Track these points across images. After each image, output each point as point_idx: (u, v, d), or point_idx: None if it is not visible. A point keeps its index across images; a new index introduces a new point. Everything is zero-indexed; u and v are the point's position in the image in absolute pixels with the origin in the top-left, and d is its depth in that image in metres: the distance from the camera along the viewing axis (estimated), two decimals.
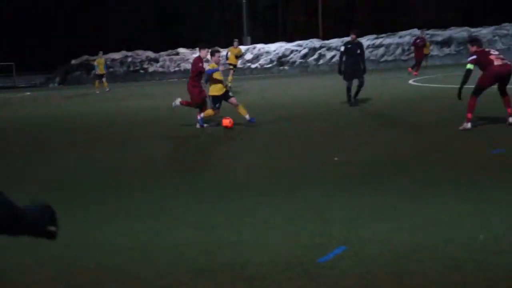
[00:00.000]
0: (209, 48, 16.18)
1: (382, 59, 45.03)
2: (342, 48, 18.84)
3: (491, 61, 12.02)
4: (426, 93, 20.95)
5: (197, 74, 15.48)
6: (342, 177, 8.65)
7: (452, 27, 45.49)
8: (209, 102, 15.10)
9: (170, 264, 5.38)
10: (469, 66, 12.15)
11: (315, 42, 48.38)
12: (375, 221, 6.26)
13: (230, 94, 14.98)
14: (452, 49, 44.12)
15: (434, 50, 42.88)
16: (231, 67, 29.08)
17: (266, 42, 50.32)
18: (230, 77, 28.29)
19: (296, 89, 27.24)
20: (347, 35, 48.33)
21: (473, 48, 12.31)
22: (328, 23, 58.48)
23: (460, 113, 14.07)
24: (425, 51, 39.86)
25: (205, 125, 14.97)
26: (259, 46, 49.43)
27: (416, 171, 8.68)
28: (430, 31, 44.88)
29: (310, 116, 16.40)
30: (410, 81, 26.83)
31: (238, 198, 7.72)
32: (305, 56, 47.44)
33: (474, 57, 12.14)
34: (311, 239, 5.79)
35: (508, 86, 12.29)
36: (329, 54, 46.87)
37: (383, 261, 5.10)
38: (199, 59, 15.83)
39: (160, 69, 50.08)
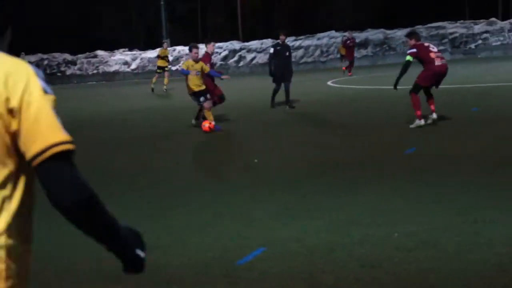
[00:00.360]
0: (215, 42, 16.02)
1: (302, 61, 45.57)
2: (272, 50, 18.47)
3: (432, 60, 12.26)
4: (345, 94, 21.33)
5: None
6: (261, 178, 8.72)
7: (369, 29, 46.49)
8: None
9: (88, 271, 5.30)
10: (409, 58, 12.33)
11: (235, 44, 48.52)
12: (293, 222, 6.34)
13: (208, 96, 14.13)
14: (369, 50, 45.07)
15: None
16: (159, 70, 28.71)
17: (186, 44, 50.05)
18: (166, 80, 28.33)
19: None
20: (267, 37, 48.80)
21: (412, 42, 12.53)
22: (247, 25, 58.75)
23: (376, 114, 14.45)
24: (343, 52, 40.62)
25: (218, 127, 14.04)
26: (179, 48, 49.18)
27: (333, 172, 8.83)
28: (346, 33, 45.72)
29: (233, 119, 16.43)
30: (329, 83, 27.26)
31: (157, 201, 7.67)
32: (225, 58, 47.52)
33: (414, 50, 12.34)
34: (230, 242, 5.81)
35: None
36: (249, 56, 47.12)
37: (301, 261, 5.18)
38: (207, 56, 15.64)
39: (78, 72, 49.15)
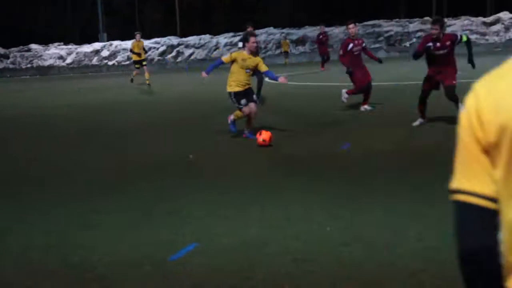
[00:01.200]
0: (355, 23, 14.33)
1: None
2: (240, 44, 17.81)
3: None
4: (285, 91, 21.41)
5: (347, 56, 14.27)
6: (195, 174, 8.68)
7: (307, 26, 46.87)
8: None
9: (19, 269, 5.18)
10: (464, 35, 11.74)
11: (173, 40, 48.21)
12: (227, 217, 6.32)
13: (254, 97, 11.52)
14: (307, 47, 45.46)
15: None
16: (138, 65, 26.67)
17: (123, 39, 49.50)
18: (146, 74, 26.63)
19: (158, 87, 26.89)
20: (205, 33, 48.54)
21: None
22: (185, 20, 58.45)
23: (313, 111, 14.53)
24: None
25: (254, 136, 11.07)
26: (116, 43, 48.58)
27: (268, 168, 8.87)
28: (285, 30, 46.05)
29: (174, 113, 16.32)
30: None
31: (87, 198, 7.54)
32: (163, 53, 47.17)
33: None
34: (163, 238, 5.77)
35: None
36: (187, 52, 46.88)
37: (234, 256, 5.17)
38: (348, 40, 14.50)
39: (11, 66, 47.94)
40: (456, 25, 43.33)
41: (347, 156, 9.36)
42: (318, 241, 5.43)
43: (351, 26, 14.32)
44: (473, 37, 42.78)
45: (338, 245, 5.29)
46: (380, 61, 14.86)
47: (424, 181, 7.37)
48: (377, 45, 43.17)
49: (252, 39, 11.09)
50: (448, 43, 11.28)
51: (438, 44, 11.25)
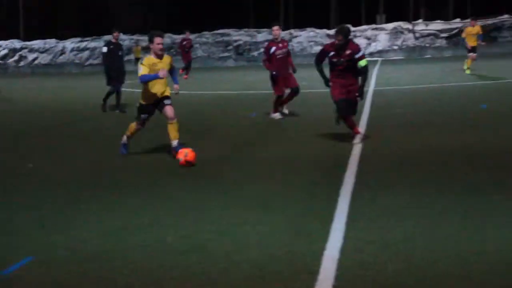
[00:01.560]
0: (279, 26, 13.74)
1: (87, 63, 44.63)
2: (105, 49, 16.81)
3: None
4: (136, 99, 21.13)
5: (272, 60, 13.53)
6: (31, 183, 8.38)
7: None
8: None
9: None
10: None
11: (16, 43, 46.31)
12: (64, 229, 6.15)
13: (166, 102, 9.86)
14: None
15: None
16: None
17: None
18: None
19: (16, 94, 25.61)
20: (51, 37, 47.02)
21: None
22: (30, 23, 56.30)
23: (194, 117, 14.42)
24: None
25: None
26: None
27: (114, 178, 8.72)
28: (135, 36, 45.57)
29: (31, 120, 15.65)
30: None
31: None
32: (4, 57, 45.16)
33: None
34: None
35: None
36: (31, 56, 45.19)
37: (70, 269, 5.03)
38: (270, 44, 13.72)
39: None
40: (302, 36, 44.87)
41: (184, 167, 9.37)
42: (160, 251, 5.39)
43: (275, 28, 13.89)
44: (317, 48, 44.51)
45: (179, 254, 5.28)
46: (294, 71, 13.98)
47: (266, 190, 7.54)
48: (226, 54, 43.77)
49: (157, 39, 9.63)
50: (348, 52, 10.27)
51: (340, 52, 10.27)
